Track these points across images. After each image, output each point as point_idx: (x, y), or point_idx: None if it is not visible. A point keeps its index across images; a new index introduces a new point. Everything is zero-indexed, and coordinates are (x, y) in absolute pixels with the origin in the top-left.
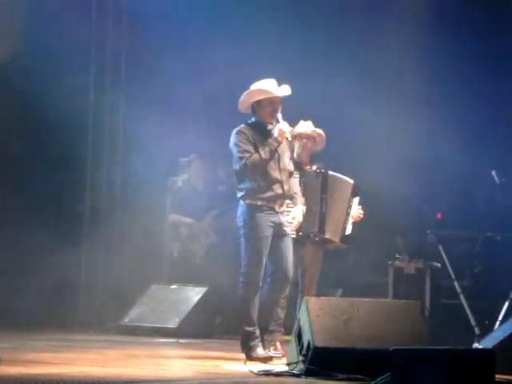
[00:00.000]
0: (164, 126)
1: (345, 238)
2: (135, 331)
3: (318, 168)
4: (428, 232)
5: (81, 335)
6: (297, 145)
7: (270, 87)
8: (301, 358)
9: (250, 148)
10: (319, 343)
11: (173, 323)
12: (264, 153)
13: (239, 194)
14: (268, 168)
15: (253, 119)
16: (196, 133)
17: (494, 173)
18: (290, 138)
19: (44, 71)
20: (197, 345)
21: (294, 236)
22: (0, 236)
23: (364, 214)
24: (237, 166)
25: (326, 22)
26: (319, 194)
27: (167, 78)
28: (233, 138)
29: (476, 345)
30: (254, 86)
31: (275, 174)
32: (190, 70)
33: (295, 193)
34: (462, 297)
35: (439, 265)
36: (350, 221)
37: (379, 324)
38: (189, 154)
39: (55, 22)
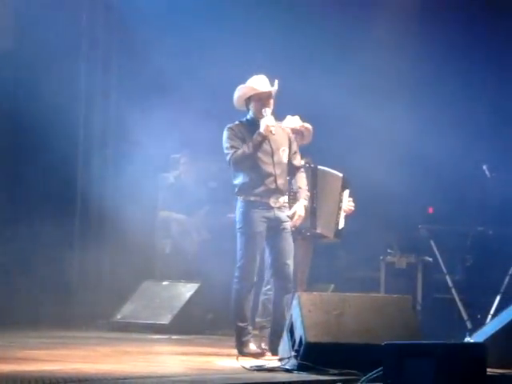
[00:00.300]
0: (157, 121)
1: (338, 233)
2: (127, 328)
3: (306, 162)
4: (420, 226)
5: (73, 332)
6: None
7: (256, 83)
8: (293, 353)
9: (238, 144)
10: (311, 338)
11: (165, 319)
12: (248, 147)
13: (235, 190)
14: (260, 162)
15: (247, 116)
16: (190, 127)
17: (485, 167)
18: (273, 132)
19: (35, 60)
20: (189, 341)
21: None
22: None
23: (355, 207)
24: (227, 163)
25: (325, 18)
26: (309, 189)
27: (159, 71)
28: (223, 135)
29: (468, 339)
30: (246, 83)
31: (268, 169)
32: (185, 63)
33: (299, 187)
34: (453, 291)
35: (431, 259)
36: (343, 214)
37: (371, 319)
38: (181, 149)
39: (47, 9)
